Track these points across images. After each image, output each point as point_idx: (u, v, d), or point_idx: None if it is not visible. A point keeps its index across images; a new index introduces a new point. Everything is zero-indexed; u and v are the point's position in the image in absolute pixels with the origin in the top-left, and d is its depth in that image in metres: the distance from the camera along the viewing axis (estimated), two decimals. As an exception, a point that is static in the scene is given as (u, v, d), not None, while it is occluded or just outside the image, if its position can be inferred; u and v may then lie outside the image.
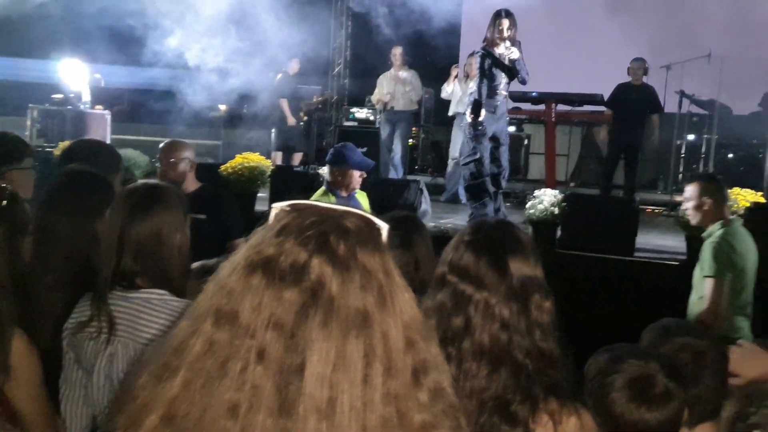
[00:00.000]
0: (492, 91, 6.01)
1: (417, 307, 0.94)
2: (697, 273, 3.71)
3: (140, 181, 2.21)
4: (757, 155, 9.35)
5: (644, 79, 8.11)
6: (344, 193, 4.05)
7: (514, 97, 7.30)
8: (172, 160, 3.83)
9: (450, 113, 8.72)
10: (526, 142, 10.37)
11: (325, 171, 4.15)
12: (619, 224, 5.51)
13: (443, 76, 9.02)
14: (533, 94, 7.56)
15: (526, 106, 8.54)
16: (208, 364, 0.85)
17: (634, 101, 7.87)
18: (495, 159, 6.12)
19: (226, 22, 8.78)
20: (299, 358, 0.84)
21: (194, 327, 0.88)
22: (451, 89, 8.53)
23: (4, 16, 8.68)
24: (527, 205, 5.68)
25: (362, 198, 4.21)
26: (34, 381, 1.84)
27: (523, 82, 6.08)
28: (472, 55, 8.07)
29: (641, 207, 6.69)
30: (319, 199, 3.95)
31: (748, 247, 3.69)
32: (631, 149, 7.99)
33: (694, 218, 3.77)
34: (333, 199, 4.01)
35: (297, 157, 9.64)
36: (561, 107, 7.62)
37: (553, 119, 7.27)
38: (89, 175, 2.54)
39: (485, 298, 1.55)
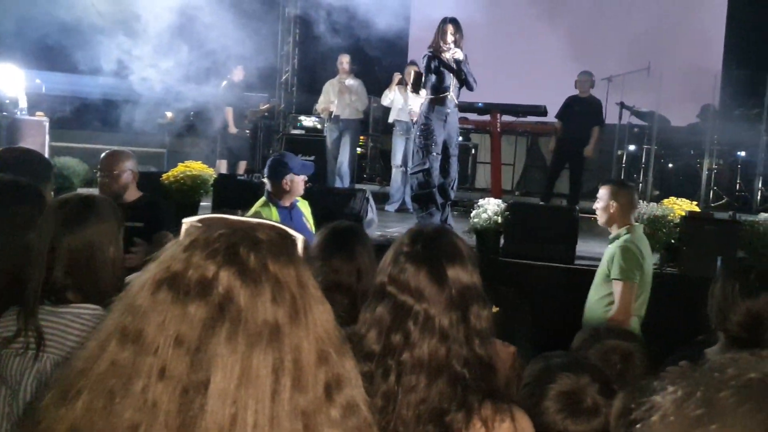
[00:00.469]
0: (441, 96, 6.03)
1: (333, 320, 0.92)
2: (600, 274, 3.85)
3: (73, 192, 2.15)
4: (695, 166, 9.67)
5: (591, 91, 8.36)
6: (286, 203, 4.02)
7: (461, 107, 7.39)
8: (115, 171, 3.77)
9: (390, 120, 8.76)
10: (473, 151, 10.50)
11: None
12: (560, 232, 5.63)
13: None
14: (479, 104, 7.67)
15: (473, 116, 8.66)
16: (111, 384, 0.82)
17: (579, 113, 8.14)
18: (444, 169, 6.17)
19: (173, 29, 8.66)
20: (204, 375, 0.81)
21: (100, 346, 0.85)
22: (392, 97, 8.58)
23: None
24: (472, 214, 5.75)
25: (304, 207, 4.18)
26: None
27: (470, 87, 6.10)
28: (410, 63, 8.22)
29: (583, 215, 6.85)
30: (259, 210, 3.94)
31: (648, 252, 3.90)
32: (575, 160, 8.25)
33: (601, 218, 3.95)
34: (274, 210, 3.97)
35: (242, 166, 9.56)
36: (506, 118, 7.74)
37: (498, 129, 7.38)
38: (18, 185, 2.46)
39: (425, 310, 1.54)
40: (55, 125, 9.25)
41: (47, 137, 8.83)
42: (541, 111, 8.08)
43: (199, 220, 0.93)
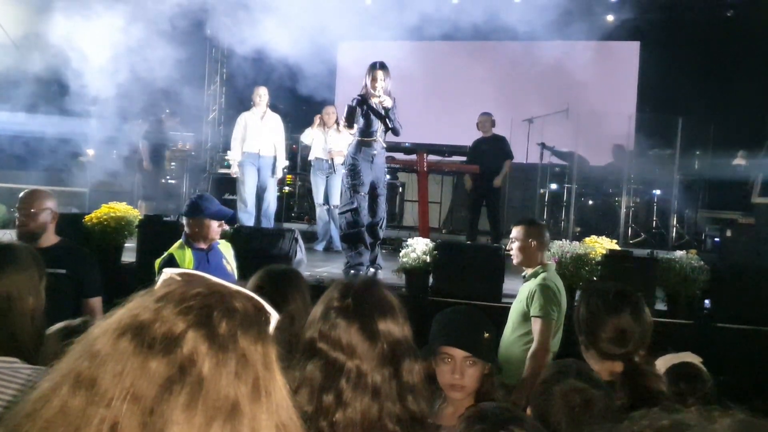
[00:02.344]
0: (369, 140, 6.13)
1: (292, 404, 0.89)
2: (518, 312, 3.88)
3: None
4: (613, 204, 10.08)
5: (494, 130, 8.72)
6: (203, 245, 3.94)
7: (389, 147, 7.51)
8: (33, 210, 3.64)
9: (309, 158, 8.79)
10: (400, 189, 10.63)
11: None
12: (487, 271, 5.72)
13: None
14: (406, 144, 7.82)
15: (400, 155, 8.80)
16: (58, 431, 0.77)
17: (488, 152, 8.51)
18: (372, 209, 6.23)
19: (100, 66, 8.50)
20: None
21: (51, 389, 0.80)
22: (312, 136, 8.64)
23: None
24: (401, 254, 5.79)
25: (226, 249, 4.09)
26: None
27: (396, 132, 6.22)
28: (329, 105, 8.39)
29: (509, 253, 7.00)
30: (174, 253, 3.87)
31: (563, 289, 3.94)
32: (491, 197, 8.57)
33: (517, 258, 3.99)
34: (189, 251, 3.90)
35: (143, 206, 9.30)
36: (432, 157, 7.90)
37: (425, 169, 7.51)
38: None
39: (357, 366, 1.52)
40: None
41: (-41, 177, 8.46)
42: (465, 151, 8.32)
43: (180, 274, 0.90)
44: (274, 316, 0.91)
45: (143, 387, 0.78)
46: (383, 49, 10.41)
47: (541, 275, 3.85)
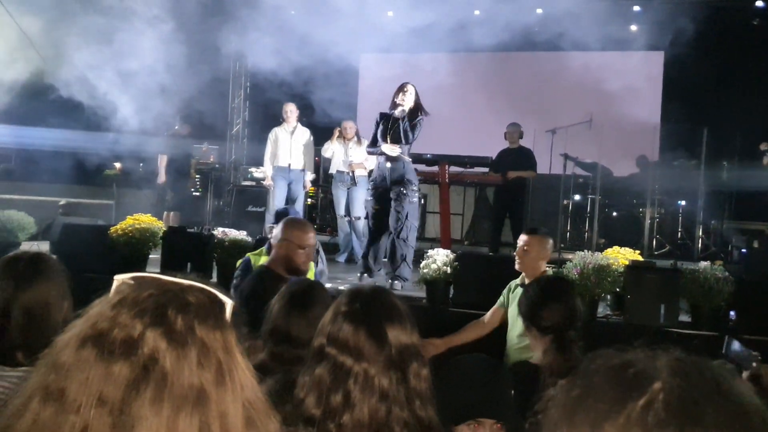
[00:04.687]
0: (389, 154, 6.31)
1: (257, 385, 0.93)
2: (515, 314, 3.86)
3: (21, 250, 2.11)
4: (638, 215, 9.98)
5: (521, 142, 8.69)
6: None
7: (411, 158, 7.55)
8: None
9: (331, 171, 8.89)
10: (422, 201, 10.63)
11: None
12: (507, 282, 5.69)
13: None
14: (427, 155, 7.82)
15: (421, 167, 8.82)
16: None
17: (512, 164, 8.50)
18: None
19: (122, 78, 8.65)
20: None
21: (23, 404, 0.84)
22: (333, 149, 8.72)
23: None
24: (421, 265, 5.80)
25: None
26: None
27: (407, 141, 6.34)
28: (347, 119, 8.64)
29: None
30: (251, 256, 3.96)
31: None
32: (514, 209, 8.56)
33: (519, 265, 4.24)
34: (264, 258, 3.96)
35: (172, 217, 9.40)
36: (454, 168, 7.90)
37: (447, 180, 7.51)
38: None
39: (365, 369, 1.53)
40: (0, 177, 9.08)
41: (-9, 190, 8.66)
42: (487, 162, 8.30)
43: (131, 278, 0.93)
44: (229, 303, 0.94)
45: (109, 391, 0.82)
46: (405, 61, 10.48)
47: None
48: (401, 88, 6.38)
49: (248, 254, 4.08)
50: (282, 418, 1.04)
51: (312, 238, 3.51)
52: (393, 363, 1.56)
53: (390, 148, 6.31)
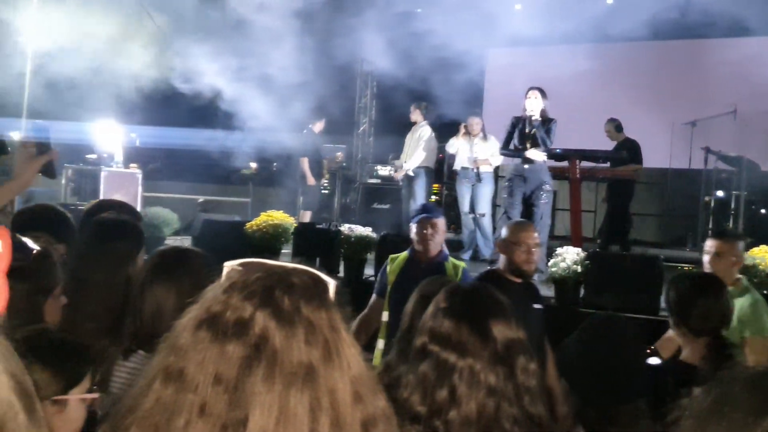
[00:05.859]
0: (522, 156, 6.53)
1: (364, 362, 0.95)
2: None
3: (169, 246, 2.23)
4: (789, 211, 9.21)
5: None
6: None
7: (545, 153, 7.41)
8: None
9: (455, 168, 8.84)
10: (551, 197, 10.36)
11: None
12: (643, 282, 5.44)
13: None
14: (557, 150, 7.61)
15: (551, 162, 8.60)
16: (155, 420, 0.86)
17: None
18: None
19: (257, 81, 9.03)
20: (242, 413, 0.84)
21: (146, 384, 0.90)
22: (457, 145, 8.66)
23: (48, 81, 9.07)
24: (550, 263, 5.65)
25: (452, 269, 3.86)
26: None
27: (545, 147, 6.55)
28: (473, 115, 8.56)
29: (668, 264, 6.61)
30: (400, 255, 3.96)
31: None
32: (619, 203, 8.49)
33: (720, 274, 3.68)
34: (404, 255, 3.94)
35: (306, 215, 9.67)
36: (585, 164, 7.62)
37: (578, 176, 7.25)
38: (115, 223, 2.61)
39: (469, 365, 1.51)
40: (147, 177, 9.76)
41: (140, 188, 9.32)
42: (622, 157, 7.95)
43: (240, 264, 0.98)
44: (332, 284, 0.97)
45: (224, 370, 0.86)
46: (533, 55, 10.25)
47: (750, 292, 3.58)
48: (527, 95, 6.53)
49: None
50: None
51: (531, 236, 3.42)
52: (499, 358, 1.52)
53: (536, 154, 6.50)
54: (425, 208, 3.96)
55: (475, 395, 1.49)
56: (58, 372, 1.52)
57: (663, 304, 5.42)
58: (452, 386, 1.50)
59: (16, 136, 8.61)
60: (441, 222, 3.85)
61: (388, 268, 3.93)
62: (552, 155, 7.58)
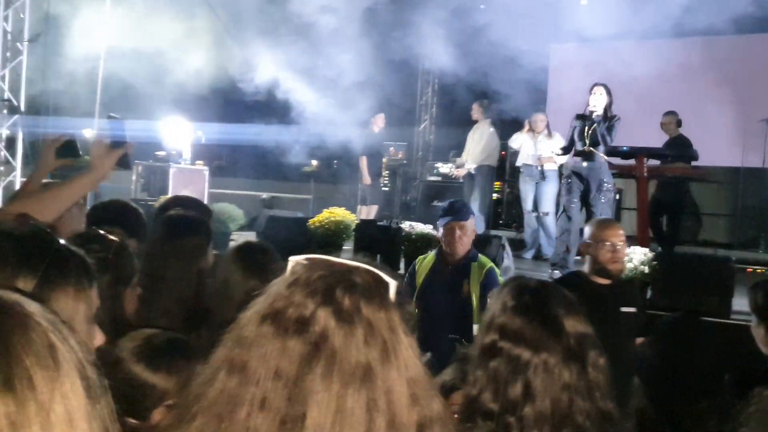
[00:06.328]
0: (586, 152, 6.39)
1: (421, 363, 0.95)
2: None
3: (247, 240, 2.27)
4: None
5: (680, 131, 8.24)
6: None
7: (606, 151, 7.24)
8: None
9: (517, 164, 8.73)
10: (617, 196, 10.12)
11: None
12: (713, 284, 5.27)
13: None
14: (623, 148, 7.43)
15: (617, 160, 8.41)
16: (219, 410, 0.89)
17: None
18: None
19: (319, 79, 9.12)
20: (300, 409, 0.86)
21: (212, 375, 0.92)
22: (521, 141, 8.55)
23: (118, 79, 9.39)
24: (615, 263, 5.52)
25: (478, 269, 3.75)
26: None
27: (605, 145, 6.38)
28: (538, 111, 8.47)
29: (741, 266, 6.38)
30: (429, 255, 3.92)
31: None
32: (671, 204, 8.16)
33: None
34: (432, 255, 3.93)
35: (373, 211, 9.72)
36: (653, 162, 7.41)
37: (645, 174, 7.06)
38: (185, 219, 2.68)
39: (544, 361, 1.50)
40: (212, 173, 10.00)
41: (207, 184, 9.55)
42: (692, 155, 7.70)
43: (305, 259, 0.99)
44: (393, 284, 0.97)
45: (285, 365, 0.88)
46: (598, 50, 10.02)
47: None
48: (591, 90, 6.40)
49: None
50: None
51: (617, 234, 3.30)
52: (572, 353, 1.52)
53: (593, 152, 6.36)
54: (453, 209, 3.82)
55: (549, 390, 1.48)
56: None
57: (735, 307, 5.24)
58: (526, 382, 1.50)
59: (89, 133, 8.95)
60: (470, 223, 3.76)
61: (416, 269, 3.91)
62: (618, 153, 7.41)
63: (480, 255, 3.82)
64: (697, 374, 1.93)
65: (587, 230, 3.43)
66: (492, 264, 3.79)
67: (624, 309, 3.28)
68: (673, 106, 9.26)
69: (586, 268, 3.38)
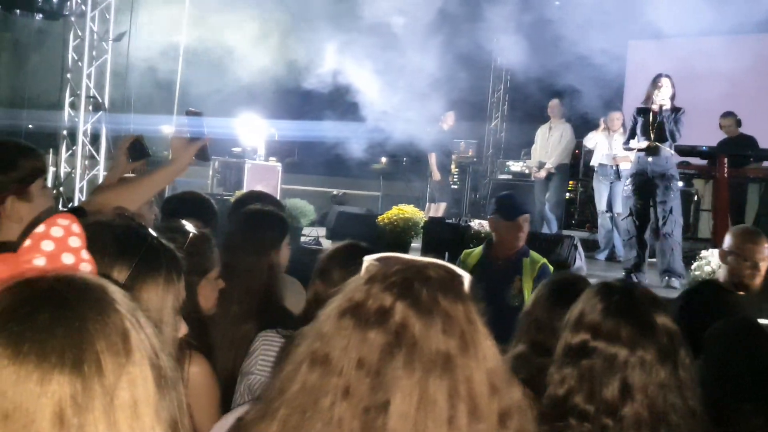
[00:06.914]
0: (652, 148, 6.04)
1: (499, 354, 0.97)
2: None
3: (347, 241, 2.25)
4: None
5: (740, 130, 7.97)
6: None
7: (682, 151, 6.99)
8: None
9: (592, 164, 8.54)
10: (695, 198, 9.78)
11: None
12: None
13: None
14: (703, 148, 7.17)
15: (695, 160, 8.13)
16: (302, 402, 0.92)
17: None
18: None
19: (390, 77, 9.16)
20: (384, 396, 0.89)
21: (294, 369, 0.96)
22: (596, 140, 8.36)
23: (195, 77, 9.69)
24: (693, 266, 5.36)
25: (531, 265, 3.68)
26: (211, 403, 1.79)
27: (674, 139, 6.06)
28: (615, 110, 8.26)
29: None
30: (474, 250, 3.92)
31: None
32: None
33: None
34: (479, 250, 3.90)
35: (441, 208, 9.69)
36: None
37: (725, 175, 6.79)
38: (262, 213, 2.75)
39: (640, 358, 1.51)
40: (285, 169, 10.19)
41: (279, 180, 9.74)
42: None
43: (377, 258, 1.03)
44: (467, 278, 1.00)
45: (366, 355, 0.91)
46: (677, 47, 9.69)
47: None
48: (655, 82, 6.02)
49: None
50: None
51: (760, 250, 3.13)
52: (666, 350, 1.53)
53: (661, 148, 6.04)
54: (508, 202, 3.77)
55: (647, 389, 1.49)
56: None
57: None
58: (624, 380, 1.50)
59: (167, 129, 9.27)
60: (525, 218, 3.71)
61: (464, 263, 3.84)
62: (697, 153, 7.17)
63: (531, 251, 3.76)
64: (749, 377, 1.93)
65: (729, 238, 3.24)
66: (545, 260, 3.73)
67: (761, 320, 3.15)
68: (754, 103, 8.90)
69: (721, 276, 3.26)
